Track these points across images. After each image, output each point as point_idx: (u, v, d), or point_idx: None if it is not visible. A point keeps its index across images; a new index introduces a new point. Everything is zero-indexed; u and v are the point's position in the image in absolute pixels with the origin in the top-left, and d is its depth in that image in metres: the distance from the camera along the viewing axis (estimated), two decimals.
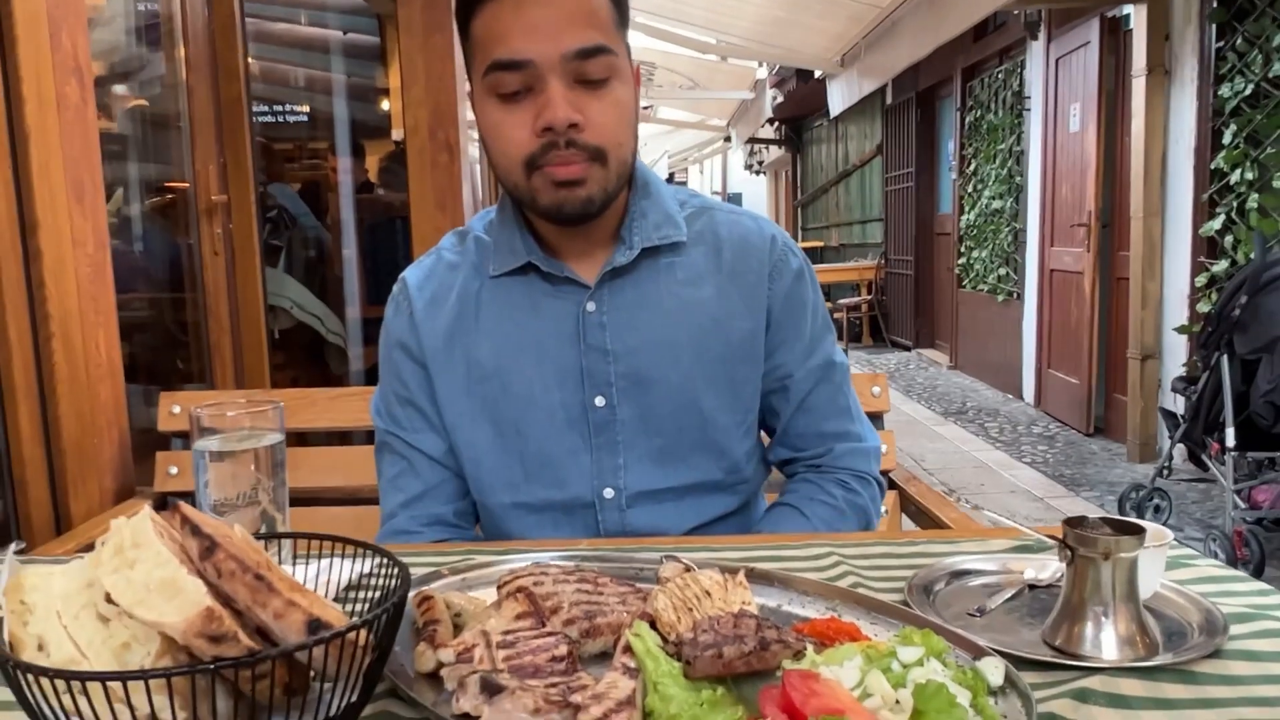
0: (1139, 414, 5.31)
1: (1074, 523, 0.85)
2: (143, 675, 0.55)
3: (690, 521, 1.35)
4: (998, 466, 5.50)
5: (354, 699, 0.68)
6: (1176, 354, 5.10)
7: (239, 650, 0.58)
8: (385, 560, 0.76)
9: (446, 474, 1.35)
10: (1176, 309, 5.10)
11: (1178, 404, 4.29)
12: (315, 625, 0.63)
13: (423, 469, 1.35)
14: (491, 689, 0.70)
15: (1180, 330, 4.96)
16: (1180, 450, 4.39)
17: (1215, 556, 3.61)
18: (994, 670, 0.74)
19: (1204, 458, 4.00)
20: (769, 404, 1.38)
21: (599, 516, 1.30)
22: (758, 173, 18.03)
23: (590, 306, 1.27)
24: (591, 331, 1.27)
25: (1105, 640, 0.82)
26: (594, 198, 1.21)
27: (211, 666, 0.56)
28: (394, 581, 0.74)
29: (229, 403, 1.02)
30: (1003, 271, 7.43)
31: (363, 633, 0.63)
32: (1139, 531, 0.83)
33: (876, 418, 1.98)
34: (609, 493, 1.29)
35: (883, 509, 1.44)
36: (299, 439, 3.53)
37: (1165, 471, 4.33)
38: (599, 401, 1.28)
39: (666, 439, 1.30)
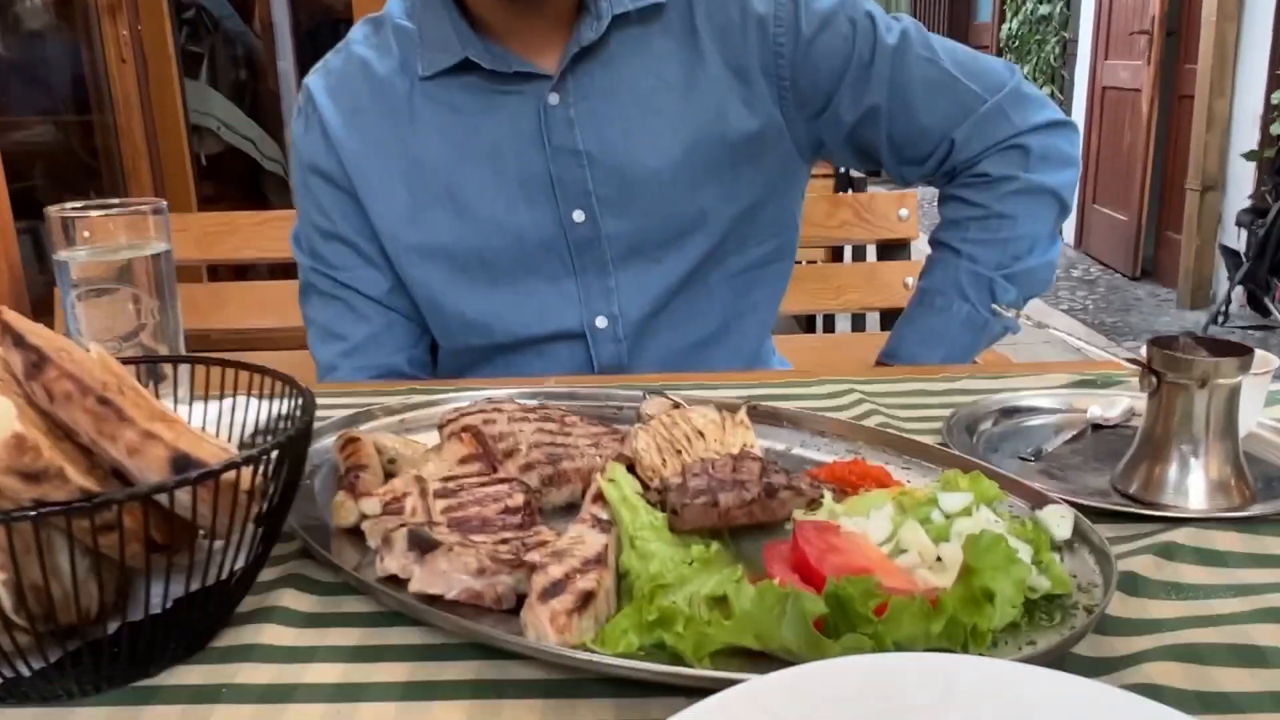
0: (1193, 253, 5.20)
1: (1161, 343, 0.75)
2: None
3: (702, 348, 1.26)
4: (1030, 313, 5.44)
5: (249, 560, 0.59)
6: (1242, 185, 4.95)
7: (68, 492, 0.48)
8: (287, 388, 0.66)
9: (393, 316, 1.25)
10: (1246, 132, 4.92)
11: (1241, 240, 4.19)
12: (181, 463, 0.53)
13: (365, 311, 1.24)
14: (423, 545, 0.61)
15: (1249, 156, 4.80)
16: (1239, 294, 4.32)
17: None
18: (1060, 521, 0.65)
19: (1267, 301, 3.94)
20: (856, 144, 1.23)
21: (592, 351, 1.21)
22: None
23: (553, 99, 1.13)
24: (557, 130, 1.14)
25: (1193, 486, 0.74)
26: None
27: (33, 513, 0.46)
28: (296, 410, 0.64)
29: (98, 204, 0.90)
30: (1048, 90, 7.18)
31: (245, 474, 0.53)
32: (1244, 353, 0.73)
33: (902, 247, 1.87)
34: (602, 322, 1.20)
35: (1071, 149, 1.25)
36: (234, 273, 3.41)
37: (1221, 317, 4.27)
38: (578, 216, 1.16)
39: (665, 251, 1.18)
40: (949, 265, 1.25)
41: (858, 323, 2.26)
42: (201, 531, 0.58)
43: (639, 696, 0.53)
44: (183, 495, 0.52)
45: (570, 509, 0.75)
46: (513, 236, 1.17)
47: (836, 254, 2.81)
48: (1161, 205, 5.85)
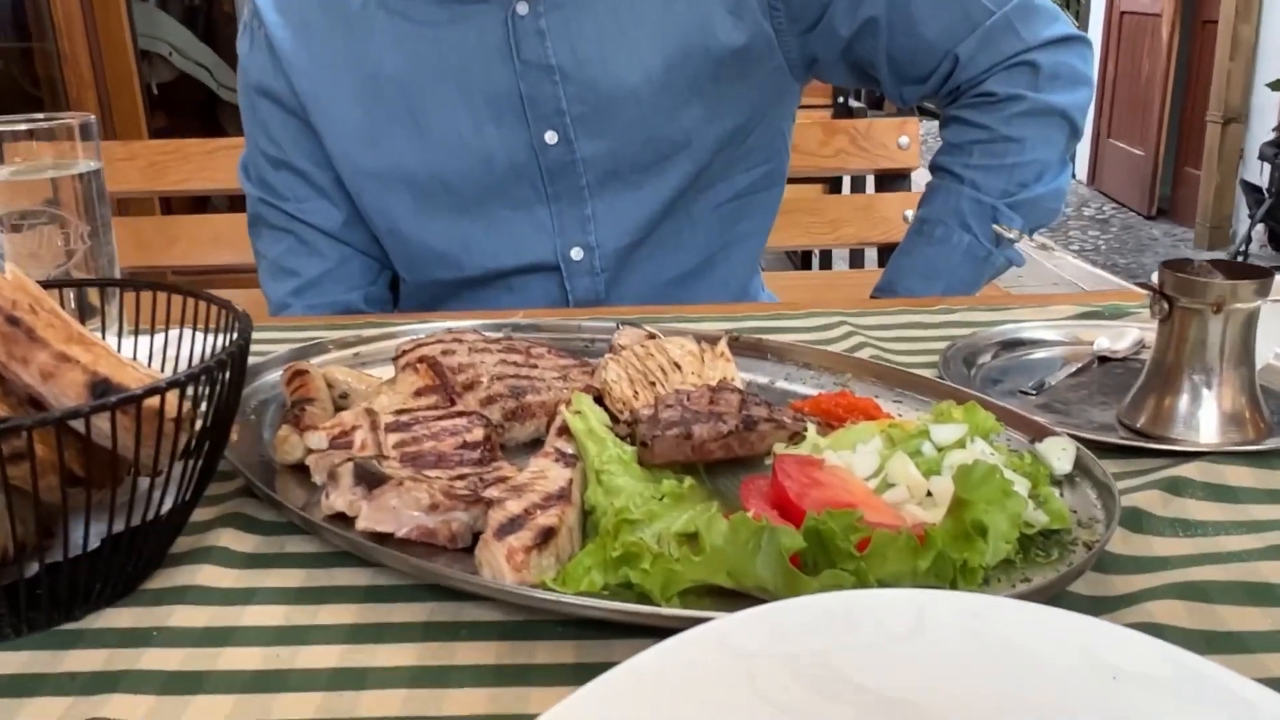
0: (1213, 190, 5.19)
1: (1174, 266, 0.74)
2: None
3: (685, 282, 1.24)
4: (1039, 255, 5.42)
5: (183, 497, 0.57)
6: (1266, 117, 4.92)
7: None
8: (223, 313, 0.64)
9: (348, 251, 1.23)
10: (1272, 60, 4.88)
11: (1263, 175, 4.17)
12: (101, 388, 0.51)
13: (318, 246, 1.22)
14: (370, 480, 0.60)
15: (1274, 86, 4.75)
16: (1259, 232, 4.31)
17: None
18: (1060, 454, 0.64)
19: None
20: (852, 60, 1.20)
21: (567, 284, 1.20)
22: None
23: (521, 9, 1.10)
24: (527, 42, 1.11)
25: (1204, 418, 0.72)
26: None
27: None
28: (232, 334, 0.62)
29: (21, 118, 0.87)
30: None
31: (171, 399, 0.52)
32: (1263, 275, 0.72)
33: (902, 177, 1.85)
34: (577, 253, 1.18)
35: (1084, 67, 1.21)
36: (191, 206, 3.34)
37: (1240, 257, 4.26)
38: (550, 138, 1.13)
39: (645, 176, 1.16)
40: (950, 193, 1.23)
41: (855, 259, 2.24)
42: (134, 469, 0.57)
43: (602, 638, 0.52)
44: (101, 422, 0.50)
45: (535, 445, 0.74)
46: (480, 160, 1.14)
47: (834, 186, 2.78)
48: (1180, 139, 5.82)
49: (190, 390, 0.53)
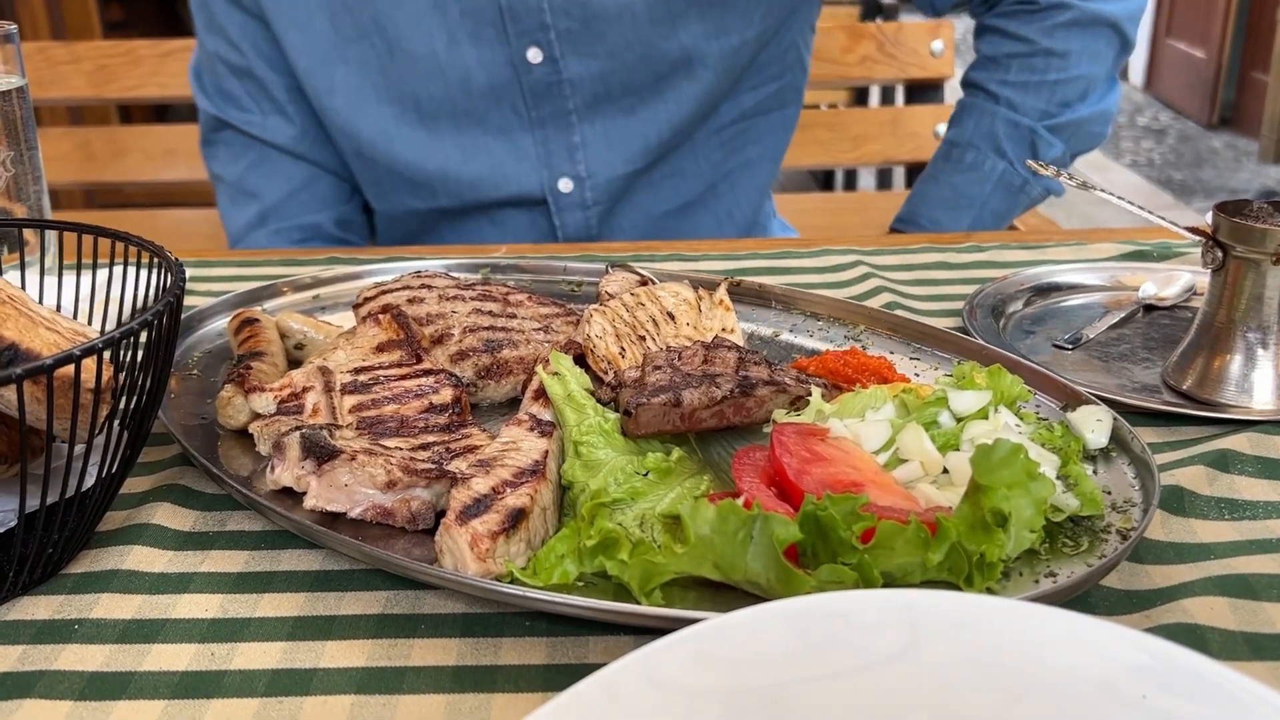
0: None
1: (1230, 208, 0.71)
2: None
3: (686, 213, 1.22)
4: (1086, 168, 5.36)
5: (109, 470, 0.56)
6: None
7: None
8: (155, 260, 0.62)
9: (315, 170, 1.21)
10: None
11: None
12: (8, 355, 0.49)
13: (280, 165, 1.20)
14: (320, 453, 0.58)
15: None
16: None
17: None
18: (1095, 425, 0.62)
19: None
20: None
21: (556, 219, 1.18)
22: None
23: None
24: None
25: (1259, 382, 0.70)
26: None
27: None
28: (166, 279, 0.60)
29: None
30: None
31: (89, 366, 0.50)
32: None
33: (934, 88, 1.81)
34: (566, 184, 1.16)
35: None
36: (152, 115, 3.31)
37: None
38: (533, 56, 1.10)
39: (640, 99, 1.13)
40: (983, 113, 1.19)
41: (883, 179, 2.21)
42: (59, 438, 0.55)
43: (575, 635, 0.51)
44: (8, 393, 0.48)
45: (512, 405, 0.72)
46: (455, 79, 1.11)
47: (861, 97, 2.73)
48: (1247, 39, 5.71)
49: (111, 355, 0.51)
